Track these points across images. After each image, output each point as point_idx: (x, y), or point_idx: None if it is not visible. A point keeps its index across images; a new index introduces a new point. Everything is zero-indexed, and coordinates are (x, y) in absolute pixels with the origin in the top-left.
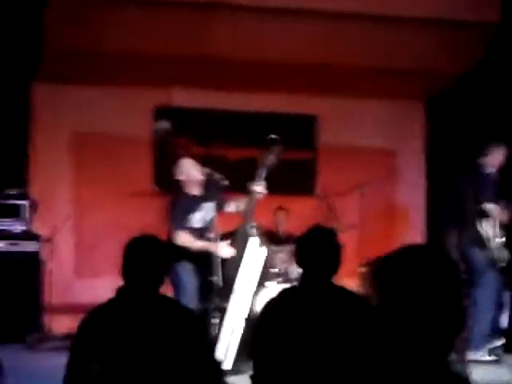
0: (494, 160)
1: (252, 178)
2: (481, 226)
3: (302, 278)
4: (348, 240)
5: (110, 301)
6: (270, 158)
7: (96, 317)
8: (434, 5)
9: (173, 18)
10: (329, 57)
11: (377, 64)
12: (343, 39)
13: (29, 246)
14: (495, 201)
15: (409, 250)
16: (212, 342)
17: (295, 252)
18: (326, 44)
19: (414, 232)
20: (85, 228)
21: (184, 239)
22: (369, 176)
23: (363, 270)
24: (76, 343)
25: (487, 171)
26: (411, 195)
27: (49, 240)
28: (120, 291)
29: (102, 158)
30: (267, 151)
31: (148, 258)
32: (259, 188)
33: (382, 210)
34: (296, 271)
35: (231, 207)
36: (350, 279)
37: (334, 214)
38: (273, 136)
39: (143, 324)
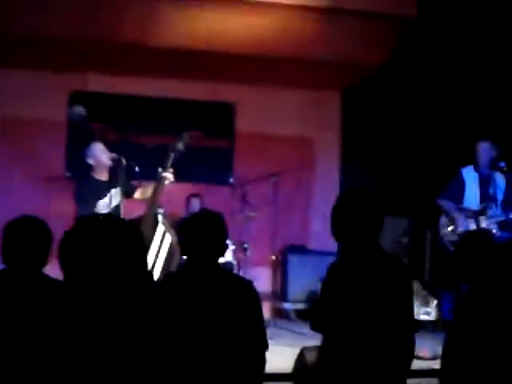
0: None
1: (163, 164)
2: None
3: (187, 263)
4: (262, 229)
5: None
6: (179, 145)
7: None
8: None
9: (85, 1)
10: (246, 45)
11: (294, 53)
12: (261, 28)
13: None
14: None
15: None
16: None
17: (179, 238)
18: (243, 32)
19: (326, 222)
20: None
21: None
22: (285, 165)
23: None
24: None
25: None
26: (327, 185)
27: None
28: (1, 274)
29: (16, 141)
30: (176, 138)
31: (28, 240)
32: (167, 175)
33: (296, 200)
34: None
35: (137, 194)
36: (263, 267)
37: (247, 202)
38: (183, 123)
39: (26, 305)
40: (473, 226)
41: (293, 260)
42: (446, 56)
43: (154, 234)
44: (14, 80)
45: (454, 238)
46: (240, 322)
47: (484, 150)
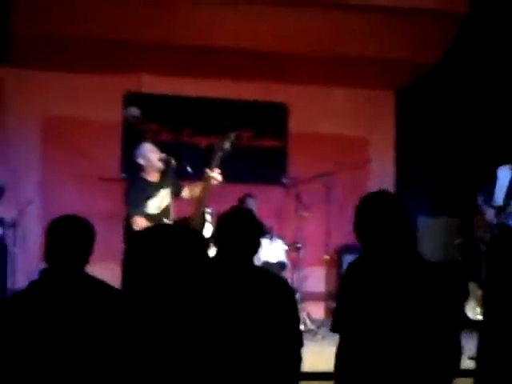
0: None
1: (210, 164)
2: None
3: (220, 261)
4: (316, 229)
5: (33, 283)
6: (226, 145)
7: (19, 300)
8: None
9: (140, 4)
10: (298, 45)
11: (347, 53)
12: (313, 28)
13: None
14: None
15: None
16: None
17: (213, 233)
18: (296, 32)
19: None
20: (52, 213)
21: (140, 225)
22: (339, 164)
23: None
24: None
25: None
26: (381, 184)
27: (14, 224)
28: (43, 273)
29: (71, 143)
30: (223, 137)
31: (69, 239)
32: (214, 174)
33: (351, 199)
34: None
35: (185, 193)
36: (318, 267)
37: (301, 202)
38: (227, 123)
39: (68, 304)
40: (494, 222)
41: (347, 260)
42: (500, 54)
43: (202, 232)
44: (70, 82)
45: (484, 233)
46: (274, 319)
47: None
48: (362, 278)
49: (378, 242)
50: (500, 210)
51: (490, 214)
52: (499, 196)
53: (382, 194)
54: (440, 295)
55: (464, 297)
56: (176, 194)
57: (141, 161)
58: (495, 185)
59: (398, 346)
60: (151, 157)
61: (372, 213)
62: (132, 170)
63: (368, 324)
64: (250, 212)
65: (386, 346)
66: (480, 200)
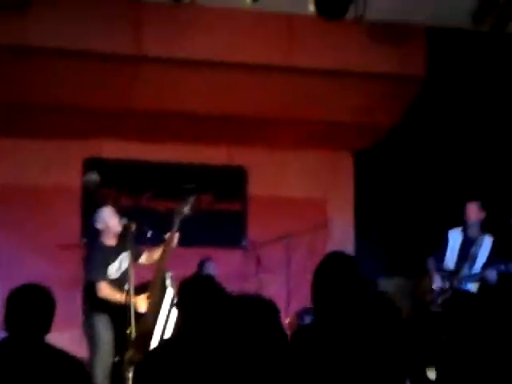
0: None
1: (169, 228)
2: None
3: (184, 326)
4: (277, 291)
5: None
6: (185, 209)
7: None
8: (362, 58)
9: (99, 70)
10: (258, 108)
11: (305, 115)
12: (271, 91)
13: None
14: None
15: None
16: None
17: (175, 300)
18: (255, 96)
19: None
20: (11, 282)
21: (104, 291)
22: (299, 227)
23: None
24: None
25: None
26: (340, 246)
27: None
28: (3, 343)
29: (29, 210)
30: (182, 202)
31: (30, 307)
32: (173, 238)
33: (311, 261)
34: None
35: (143, 258)
36: None
37: (261, 265)
38: (187, 186)
39: (28, 374)
40: (446, 286)
41: (309, 322)
42: (457, 115)
43: (163, 298)
44: (29, 148)
45: (430, 297)
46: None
47: (472, 211)
48: (307, 346)
49: (330, 308)
50: (453, 274)
51: (437, 280)
52: (450, 259)
53: (338, 258)
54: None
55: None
56: (134, 260)
57: (99, 225)
58: (446, 248)
59: None
60: (110, 221)
61: (327, 278)
62: (92, 235)
63: None
64: (210, 278)
65: None
66: (430, 264)
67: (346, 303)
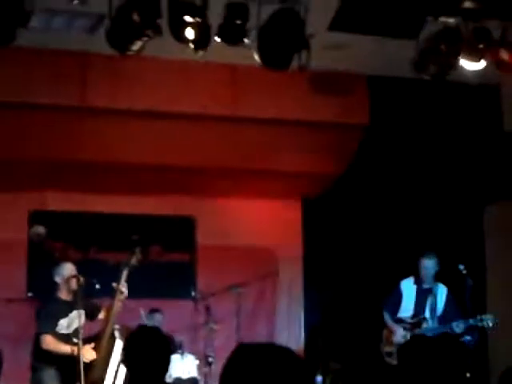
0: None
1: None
2: None
3: (131, 380)
4: (227, 341)
5: None
6: (132, 260)
7: None
8: (306, 107)
9: (43, 122)
10: (203, 159)
11: (252, 165)
12: (217, 142)
13: None
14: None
15: None
16: None
17: (122, 354)
18: (202, 147)
19: (292, 332)
20: None
21: (48, 343)
22: (247, 276)
23: None
24: None
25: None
26: (290, 295)
27: None
28: None
29: None
30: (129, 253)
31: None
32: (122, 289)
33: (261, 311)
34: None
35: (101, 315)
36: None
37: (211, 315)
38: (134, 237)
39: None
40: (408, 338)
41: None
42: (401, 161)
43: (112, 350)
44: None
45: (391, 349)
46: None
47: (428, 266)
48: None
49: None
50: (414, 326)
51: (399, 333)
52: (406, 310)
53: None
54: None
55: None
56: (91, 318)
57: (58, 279)
58: (400, 298)
59: None
60: (70, 277)
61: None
62: (39, 289)
63: None
64: (156, 330)
65: None
66: (386, 316)
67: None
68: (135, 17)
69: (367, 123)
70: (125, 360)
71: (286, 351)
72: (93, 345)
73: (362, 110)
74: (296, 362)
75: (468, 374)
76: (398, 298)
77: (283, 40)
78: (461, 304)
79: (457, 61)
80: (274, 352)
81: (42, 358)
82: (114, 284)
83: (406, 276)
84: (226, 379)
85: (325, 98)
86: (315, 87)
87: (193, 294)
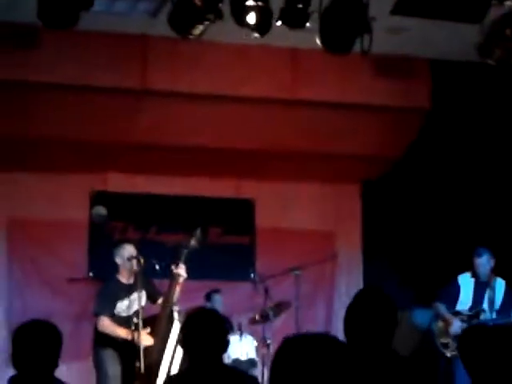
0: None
1: (175, 261)
2: None
3: (190, 361)
4: (286, 324)
5: None
6: (192, 242)
7: None
8: (368, 91)
9: (104, 104)
10: (264, 141)
11: (312, 148)
12: (279, 125)
13: None
14: None
15: None
16: None
17: (180, 335)
18: (263, 130)
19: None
20: (19, 315)
21: (105, 326)
22: (306, 259)
23: None
24: None
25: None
26: (349, 278)
27: None
28: (13, 380)
29: (37, 244)
30: (189, 235)
31: (36, 344)
32: (180, 272)
33: (319, 293)
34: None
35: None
36: None
37: (271, 298)
38: (196, 219)
39: None
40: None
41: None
42: (461, 146)
43: (170, 331)
44: (36, 183)
45: (447, 340)
46: None
47: (482, 263)
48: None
49: (363, 341)
50: (472, 318)
51: (457, 324)
52: (464, 303)
53: (374, 293)
54: None
55: None
56: (153, 301)
57: (118, 260)
58: (458, 292)
59: None
60: (129, 259)
61: (362, 312)
62: (100, 269)
63: None
64: (214, 311)
65: None
66: (441, 308)
67: (380, 337)
68: (197, 1)
69: (428, 107)
70: (182, 342)
71: (332, 342)
72: (149, 329)
73: (423, 95)
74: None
75: None
76: (455, 290)
77: (345, 24)
78: None
79: None
80: (319, 344)
81: (101, 339)
82: (173, 266)
83: (463, 263)
84: (273, 374)
85: (386, 82)
86: (377, 71)
87: (252, 276)
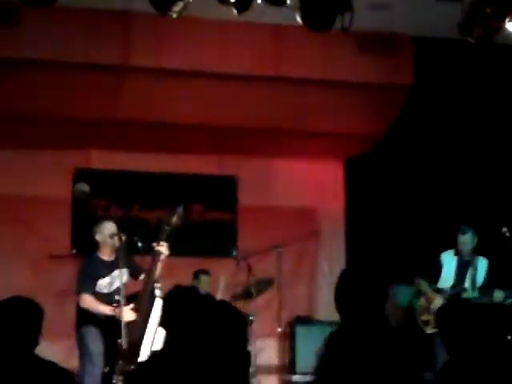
0: None
1: (157, 238)
2: None
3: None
4: (268, 301)
5: None
6: (174, 219)
7: None
8: (350, 68)
9: (87, 81)
10: (246, 118)
11: (295, 125)
12: (261, 101)
13: None
14: None
15: None
16: None
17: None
18: (245, 106)
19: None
20: (0, 292)
21: (87, 303)
22: (289, 236)
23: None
24: None
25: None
26: (332, 255)
27: None
28: None
29: (20, 220)
30: (171, 212)
31: (17, 322)
32: (161, 249)
33: (302, 270)
34: None
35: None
36: (271, 339)
37: (253, 274)
38: (178, 196)
39: None
40: None
41: (300, 331)
42: (445, 122)
43: (151, 308)
44: (19, 159)
45: (428, 317)
46: None
47: (466, 241)
48: (340, 351)
49: (357, 315)
50: (454, 295)
51: (438, 302)
52: (446, 281)
53: (361, 268)
54: (404, 368)
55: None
56: (135, 278)
57: (98, 238)
58: (440, 270)
59: None
60: (110, 236)
61: (353, 287)
62: (83, 246)
63: None
64: (192, 289)
65: None
66: (423, 285)
67: (374, 310)
68: None
69: (412, 84)
70: (162, 321)
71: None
72: (132, 305)
73: (406, 71)
74: None
75: (510, 337)
76: (437, 268)
77: (326, 1)
78: (505, 271)
79: (503, 24)
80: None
81: (84, 317)
82: (155, 244)
83: (445, 241)
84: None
85: (370, 59)
86: (360, 47)
87: (234, 253)
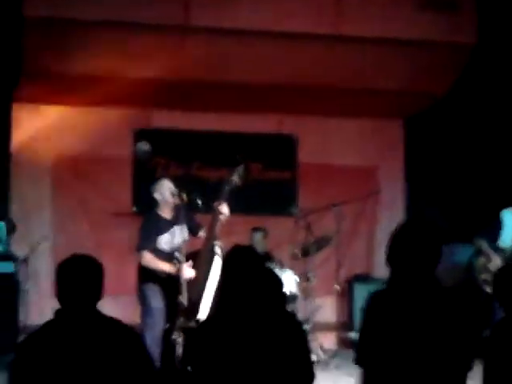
0: None
1: (217, 197)
2: None
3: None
4: (327, 259)
5: (47, 324)
6: (234, 178)
7: (34, 340)
8: (412, 26)
9: (148, 41)
10: (306, 77)
11: (355, 83)
12: (321, 61)
13: (5, 267)
14: None
15: None
16: (152, 359)
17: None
18: (304, 65)
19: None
20: (63, 249)
21: (148, 260)
22: (348, 195)
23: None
24: (15, 366)
25: None
26: (391, 214)
27: (26, 261)
28: (57, 313)
29: (82, 179)
30: (231, 171)
31: (79, 279)
32: (221, 208)
33: (361, 229)
34: None
35: (202, 233)
36: (329, 297)
37: (312, 233)
38: (237, 156)
39: (82, 344)
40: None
41: (358, 289)
42: (509, 83)
43: (211, 266)
44: (80, 119)
45: (488, 276)
46: (284, 354)
47: None
48: (385, 310)
49: (408, 272)
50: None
51: (496, 261)
52: (507, 240)
53: (417, 224)
54: (461, 326)
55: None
56: (194, 234)
57: (157, 196)
58: (500, 228)
59: (421, 378)
60: (167, 193)
61: (407, 243)
62: (143, 204)
63: (392, 357)
64: (249, 248)
65: (411, 378)
66: (483, 243)
67: (424, 266)
68: None
69: (474, 42)
70: (220, 279)
71: None
72: (191, 262)
73: (469, 29)
74: None
75: None
76: (497, 227)
77: None
78: None
79: None
80: None
81: (145, 274)
82: (216, 203)
83: (506, 199)
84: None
85: (430, 16)
86: (421, 5)
87: (294, 211)
